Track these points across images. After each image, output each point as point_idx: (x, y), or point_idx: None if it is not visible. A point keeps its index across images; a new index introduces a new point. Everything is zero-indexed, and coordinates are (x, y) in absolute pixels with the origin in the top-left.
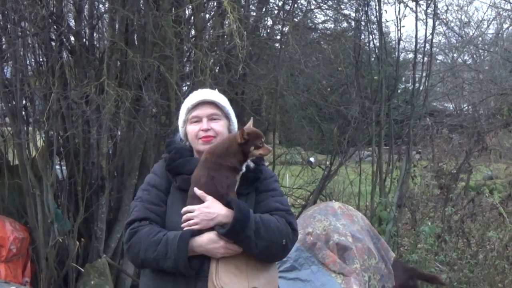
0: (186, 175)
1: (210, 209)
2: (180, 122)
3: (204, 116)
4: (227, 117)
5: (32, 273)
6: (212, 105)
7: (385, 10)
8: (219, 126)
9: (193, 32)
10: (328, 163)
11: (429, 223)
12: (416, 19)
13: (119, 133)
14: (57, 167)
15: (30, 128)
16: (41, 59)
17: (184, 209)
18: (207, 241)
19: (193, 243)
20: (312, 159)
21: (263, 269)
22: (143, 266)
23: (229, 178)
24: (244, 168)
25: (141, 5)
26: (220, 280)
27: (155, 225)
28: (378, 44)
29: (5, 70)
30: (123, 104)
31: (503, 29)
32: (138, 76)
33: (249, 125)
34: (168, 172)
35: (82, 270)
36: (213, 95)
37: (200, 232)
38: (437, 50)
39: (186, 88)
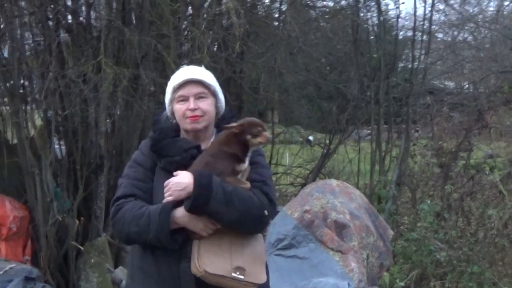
0: (170, 157)
1: (180, 179)
2: (167, 100)
3: (190, 96)
4: (214, 95)
5: (32, 251)
6: (198, 83)
7: None
8: (206, 105)
9: (190, 10)
10: (327, 141)
11: (429, 202)
12: None
13: (117, 112)
14: (56, 146)
15: (29, 107)
16: (38, 38)
17: (165, 183)
18: (182, 213)
19: (174, 215)
20: (311, 137)
21: (249, 246)
22: (128, 241)
23: (225, 166)
24: (247, 161)
25: None
26: (201, 261)
27: (140, 201)
28: (376, 22)
29: (2, 50)
30: (120, 82)
31: (504, 6)
32: (136, 55)
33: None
34: (153, 153)
35: (82, 248)
36: (199, 73)
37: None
38: (437, 27)
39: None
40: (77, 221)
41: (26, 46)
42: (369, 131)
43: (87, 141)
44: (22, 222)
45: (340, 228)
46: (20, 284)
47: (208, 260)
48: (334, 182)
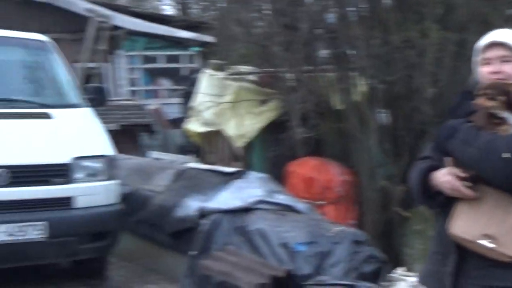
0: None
1: None
2: (474, 63)
3: (494, 58)
4: None
5: (357, 216)
6: (503, 46)
7: None
8: (511, 68)
9: None
10: None
11: None
12: None
13: (443, 77)
14: (381, 112)
15: (354, 73)
16: (362, 4)
17: None
18: (439, 174)
19: (433, 176)
20: None
21: None
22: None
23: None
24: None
25: None
26: (453, 222)
27: (432, 161)
28: None
29: (329, 16)
30: (446, 47)
31: None
32: (462, 18)
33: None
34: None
35: (407, 215)
36: (505, 36)
37: None
38: None
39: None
40: (401, 188)
41: (351, 12)
42: None
43: (411, 108)
44: (348, 186)
45: None
46: (349, 246)
47: (460, 221)
48: None
